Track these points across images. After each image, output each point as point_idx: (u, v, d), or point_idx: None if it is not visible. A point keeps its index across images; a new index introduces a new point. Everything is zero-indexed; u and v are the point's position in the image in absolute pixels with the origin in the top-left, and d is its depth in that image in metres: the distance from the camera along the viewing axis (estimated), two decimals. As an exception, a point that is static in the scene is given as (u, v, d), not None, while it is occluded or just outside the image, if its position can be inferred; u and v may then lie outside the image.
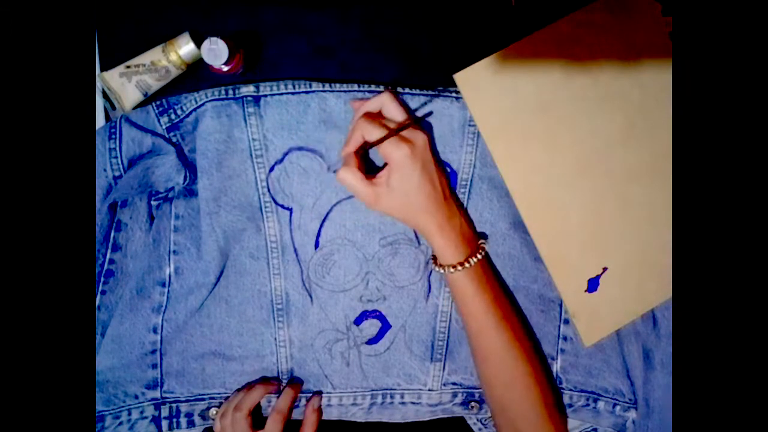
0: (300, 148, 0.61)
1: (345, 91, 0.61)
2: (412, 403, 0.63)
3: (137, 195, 0.61)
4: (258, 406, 0.59)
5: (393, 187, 0.54)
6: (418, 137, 0.55)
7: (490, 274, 0.58)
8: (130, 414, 0.61)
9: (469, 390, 0.64)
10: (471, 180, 0.62)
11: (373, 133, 0.53)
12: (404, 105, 0.57)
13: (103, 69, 0.61)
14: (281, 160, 0.61)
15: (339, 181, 0.55)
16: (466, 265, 0.55)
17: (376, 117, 0.56)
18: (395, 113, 0.56)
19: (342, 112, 0.61)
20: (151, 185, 0.60)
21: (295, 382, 0.62)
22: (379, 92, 0.60)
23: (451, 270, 0.56)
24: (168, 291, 0.61)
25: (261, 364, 0.62)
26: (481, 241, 0.59)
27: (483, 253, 0.57)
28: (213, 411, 0.62)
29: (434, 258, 0.59)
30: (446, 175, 0.60)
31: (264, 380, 0.62)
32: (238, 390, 0.62)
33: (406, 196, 0.54)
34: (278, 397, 0.60)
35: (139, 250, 0.61)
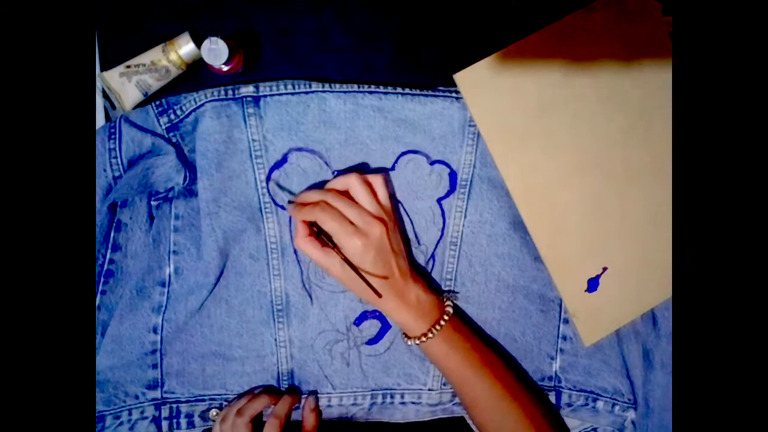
0: (300, 149, 0.61)
1: (345, 92, 0.61)
2: (413, 403, 0.63)
3: (137, 195, 0.61)
4: (259, 413, 0.59)
5: (345, 267, 0.54)
6: (375, 229, 0.54)
7: (462, 327, 0.58)
8: (130, 414, 0.61)
9: (469, 390, 0.64)
10: (471, 180, 0.62)
11: (327, 224, 0.53)
12: (372, 188, 0.56)
13: (103, 69, 0.61)
14: (281, 161, 0.61)
15: (296, 247, 0.56)
16: (431, 334, 0.56)
17: (343, 194, 0.56)
18: (362, 198, 0.55)
19: (342, 113, 0.61)
20: (151, 185, 0.60)
21: (295, 389, 0.62)
22: (384, 92, 0.61)
23: (418, 342, 0.56)
24: (168, 291, 0.61)
25: (261, 364, 0.62)
26: (447, 302, 0.59)
27: (448, 315, 0.57)
28: (213, 412, 0.62)
29: (403, 333, 0.59)
30: (406, 243, 0.60)
31: (269, 389, 0.62)
32: (241, 395, 0.62)
33: (357, 281, 0.54)
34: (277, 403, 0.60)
35: (139, 250, 0.61)
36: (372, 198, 0.55)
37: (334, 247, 0.54)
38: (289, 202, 0.58)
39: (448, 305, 0.58)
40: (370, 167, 0.62)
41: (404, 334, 0.59)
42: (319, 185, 0.61)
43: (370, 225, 0.54)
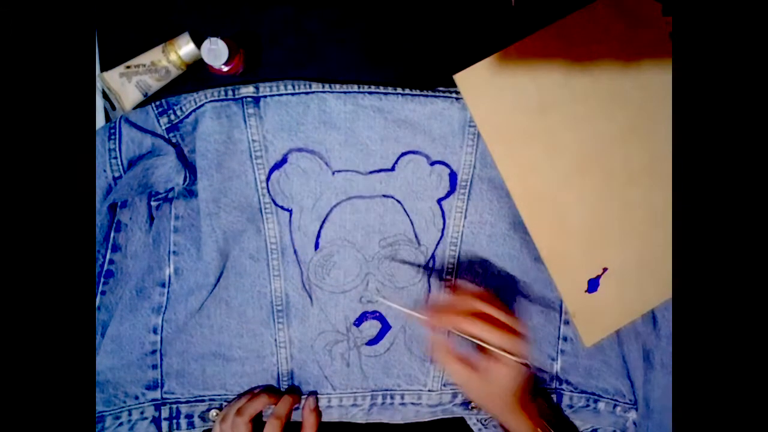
0: (300, 149, 0.61)
1: (345, 92, 0.61)
2: (412, 403, 0.63)
3: (137, 195, 0.61)
4: (259, 413, 0.59)
5: (490, 381, 0.51)
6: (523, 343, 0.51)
7: None
8: (130, 414, 0.61)
9: (470, 390, 0.64)
10: (471, 180, 0.62)
11: (494, 338, 0.50)
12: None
13: (103, 69, 0.61)
14: (281, 162, 0.61)
15: (437, 361, 0.54)
16: None
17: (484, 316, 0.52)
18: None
19: (342, 113, 0.61)
20: (151, 186, 0.60)
21: (295, 389, 0.62)
22: (384, 93, 0.61)
23: None
24: (168, 291, 0.61)
25: (261, 365, 0.62)
26: None
27: None
28: (213, 413, 0.62)
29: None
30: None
31: (269, 389, 0.62)
32: (241, 395, 0.62)
33: (500, 393, 0.52)
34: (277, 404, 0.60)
35: (139, 250, 0.61)
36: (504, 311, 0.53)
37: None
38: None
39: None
40: (370, 168, 0.61)
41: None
42: (319, 186, 0.61)
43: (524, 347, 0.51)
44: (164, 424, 0.61)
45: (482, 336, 0.50)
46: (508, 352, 0.50)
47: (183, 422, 0.62)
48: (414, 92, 0.61)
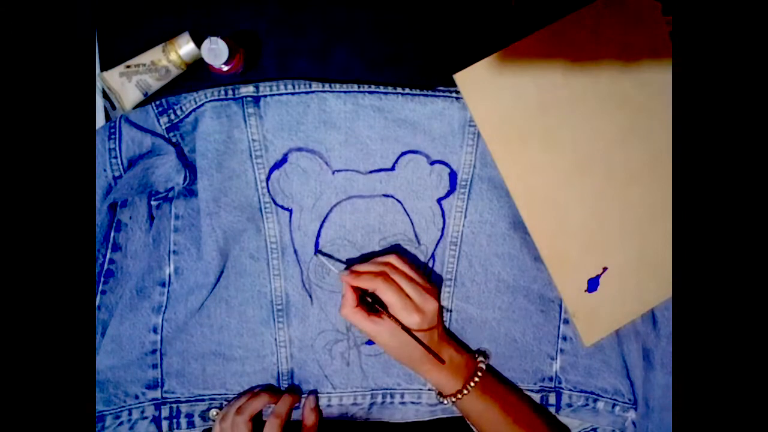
0: (300, 149, 0.61)
1: (345, 92, 0.61)
2: (412, 402, 0.63)
3: (137, 195, 0.61)
4: (259, 412, 0.59)
5: (394, 335, 0.55)
6: (429, 305, 0.56)
7: (494, 383, 0.60)
8: (130, 414, 0.61)
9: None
10: (471, 180, 0.62)
11: (388, 295, 0.55)
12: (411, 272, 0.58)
13: (103, 69, 0.61)
14: (281, 161, 0.61)
15: (343, 316, 0.57)
16: (465, 390, 0.57)
17: (397, 270, 0.57)
18: (413, 275, 0.57)
19: (342, 113, 0.61)
20: (151, 185, 0.60)
21: (295, 389, 0.62)
22: (384, 93, 0.61)
23: (453, 399, 0.58)
24: (168, 291, 0.61)
25: (261, 364, 0.62)
26: (479, 359, 0.60)
27: (481, 371, 0.58)
28: (213, 412, 0.62)
29: (438, 392, 0.60)
30: (440, 313, 0.60)
31: (269, 388, 0.62)
32: (241, 394, 0.62)
33: (405, 346, 0.56)
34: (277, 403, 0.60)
35: (139, 250, 0.61)
36: (420, 275, 0.58)
37: (389, 315, 0.55)
38: (345, 268, 0.59)
39: (481, 362, 0.59)
40: (370, 167, 0.61)
41: (439, 393, 0.60)
42: (319, 186, 0.61)
43: (425, 300, 0.56)
44: (164, 424, 0.61)
45: (381, 295, 0.55)
46: (397, 317, 0.55)
47: (183, 421, 0.62)
48: (414, 92, 0.61)
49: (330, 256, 0.61)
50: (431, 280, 0.62)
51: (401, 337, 0.55)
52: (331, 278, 0.62)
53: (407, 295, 0.55)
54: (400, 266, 0.57)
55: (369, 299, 0.57)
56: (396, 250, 0.62)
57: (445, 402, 0.59)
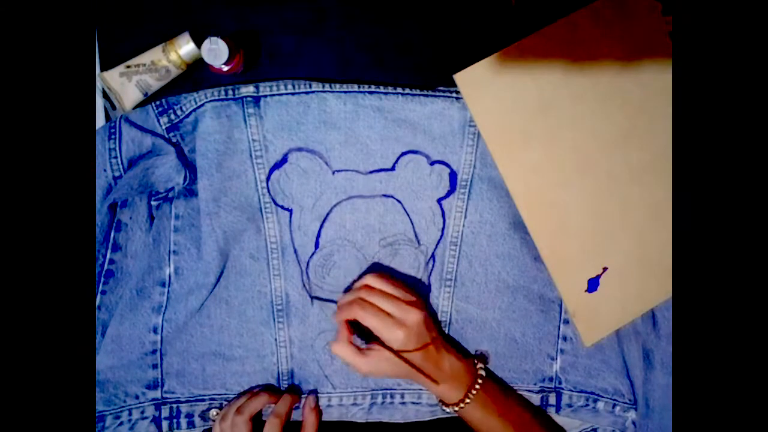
0: (300, 149, 0.61)
1: (345, 92, 0.61)
2: (413, 403, 0.63)
3: (137, 195, 0.61)
4: (258, 412, 0.59)
5: (388, 360, 0.55)
6: (412, 316, 0.55)
7: (495, 390, 0.59)
8: (130, 414, 0.61)
9: (469, 390, 0.64)
10: (471, 180, 0.62)
11: (368, 320, 0.54)
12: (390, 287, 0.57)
13: (103, 69, 0.61)
14: (281, 161, 0.61)
15: (334, 353, 0.57)
16: (468, 399, 0.57)
17: (374, 291, 0.56)
18: (389, 289, 0.56)
19: (342, 113, 0.61)
20: (151, 185, 0.60)
21: (295, 389, 0.62)
22: (384, 93, 0.61)
23: (456, 408, 0.58)
24: (168, 291, 0.61)
25: (261, 364, 0.62)
26: (478, 366, 0.59)
27: (481, 378, 0.58)
28: (213, 412, 0.62)
29: (440, 401, 0.60)
30: (435, 321, 0.60)
31: (269, 388, 0.62)
32: (241, 394, 0.62)
33: (401, 367, 0.55)
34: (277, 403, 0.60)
35: (139, 250, 0.61)
36: (397, 286, 0.57)
37: (377, 341, 0.55)
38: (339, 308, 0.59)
39: (480, 368, 0.59)
40: (370, 167, 0.61)
41: (441, 401, 0.60)
42: (320, 186, 0.61)
43: (406, 313, 0.55)
44: (164, 424, 0.61)
45: (362, 321, 0.55)
46: (381, 340, 0.55)
47: (183, 421, 0.62)
48: (414, 92, 0.61)
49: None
50: (431, 280, 0.63)
51: (394, 359, 0.55)
52: (332, 278, 0.62)
53: (387, 313, 0.55)
54: (377, 284, 0.56)
55: (353, 330, 0.57)
56: (396, 250, 0.62)
57: (448, 410, 0.59)
